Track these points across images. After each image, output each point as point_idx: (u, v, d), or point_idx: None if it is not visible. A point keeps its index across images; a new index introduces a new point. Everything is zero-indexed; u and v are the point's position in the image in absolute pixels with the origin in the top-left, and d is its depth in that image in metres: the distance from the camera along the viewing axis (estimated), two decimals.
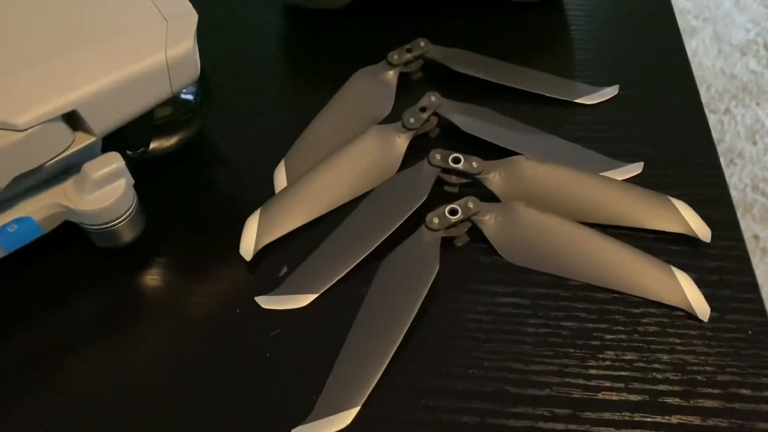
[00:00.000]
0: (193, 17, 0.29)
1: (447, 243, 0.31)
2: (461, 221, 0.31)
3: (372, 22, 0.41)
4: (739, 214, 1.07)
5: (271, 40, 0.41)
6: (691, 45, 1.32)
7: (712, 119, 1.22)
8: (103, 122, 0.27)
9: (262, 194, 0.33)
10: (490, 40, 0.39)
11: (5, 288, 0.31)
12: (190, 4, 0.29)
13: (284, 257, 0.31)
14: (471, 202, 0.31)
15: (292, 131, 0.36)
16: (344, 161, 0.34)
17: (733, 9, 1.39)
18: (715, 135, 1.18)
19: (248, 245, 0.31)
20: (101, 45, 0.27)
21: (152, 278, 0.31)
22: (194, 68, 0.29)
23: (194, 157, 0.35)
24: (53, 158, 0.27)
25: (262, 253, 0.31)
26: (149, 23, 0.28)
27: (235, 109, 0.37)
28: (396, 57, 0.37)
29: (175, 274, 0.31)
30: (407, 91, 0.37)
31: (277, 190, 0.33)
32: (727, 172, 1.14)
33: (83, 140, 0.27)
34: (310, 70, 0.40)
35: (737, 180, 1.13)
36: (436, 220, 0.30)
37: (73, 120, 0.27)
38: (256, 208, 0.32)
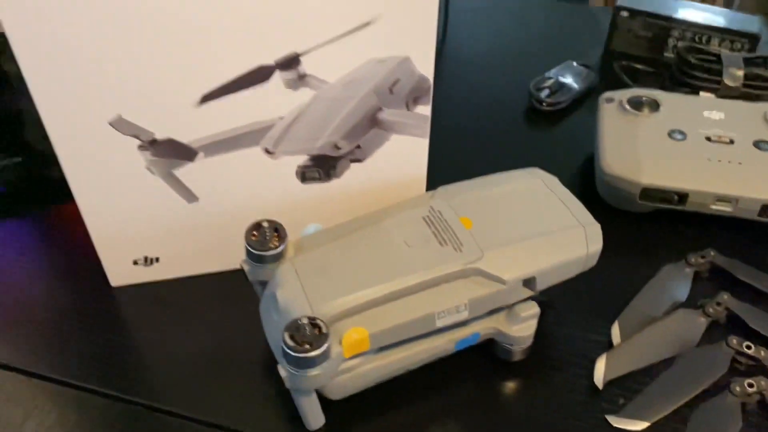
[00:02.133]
0: (598, 227, 0.45)
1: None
2: (755, 393, 0.44)
3: (669, 225, 0.57)
4: None
5: None
6: None
7: None
8: (541, 285, 0.44)
9: (599, 340, 0.48)
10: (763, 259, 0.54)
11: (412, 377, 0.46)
12: (592, 217, 0.46)
13: (620, 390, 0.46)
14: (764, 381, 0.44)
15: (615, 297, 0.51)
16: (659, 332, 0.48)
17: None
18: None
19: (600, 377, 0.46)
20: (548, 238, 0.44)
21: (521, 389, 0.46)
22: (595, 260, 0.45)
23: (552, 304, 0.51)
24: (504, 302, 0.43)
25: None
26: (573, 227, 0.45)
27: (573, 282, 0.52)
28: (693, 260, 0.53)
29: (535, 389, 0.46)
30: (698, 284, 0.52)
31: (613, 340, 0.48)
32: None
33: (526, 293, 0.44)
34: (627, 256, 0.55)
35: None
36: (738, 389, 0.44)
37: (526, 281, 0.43)
38: (595, 352, 0.47)
